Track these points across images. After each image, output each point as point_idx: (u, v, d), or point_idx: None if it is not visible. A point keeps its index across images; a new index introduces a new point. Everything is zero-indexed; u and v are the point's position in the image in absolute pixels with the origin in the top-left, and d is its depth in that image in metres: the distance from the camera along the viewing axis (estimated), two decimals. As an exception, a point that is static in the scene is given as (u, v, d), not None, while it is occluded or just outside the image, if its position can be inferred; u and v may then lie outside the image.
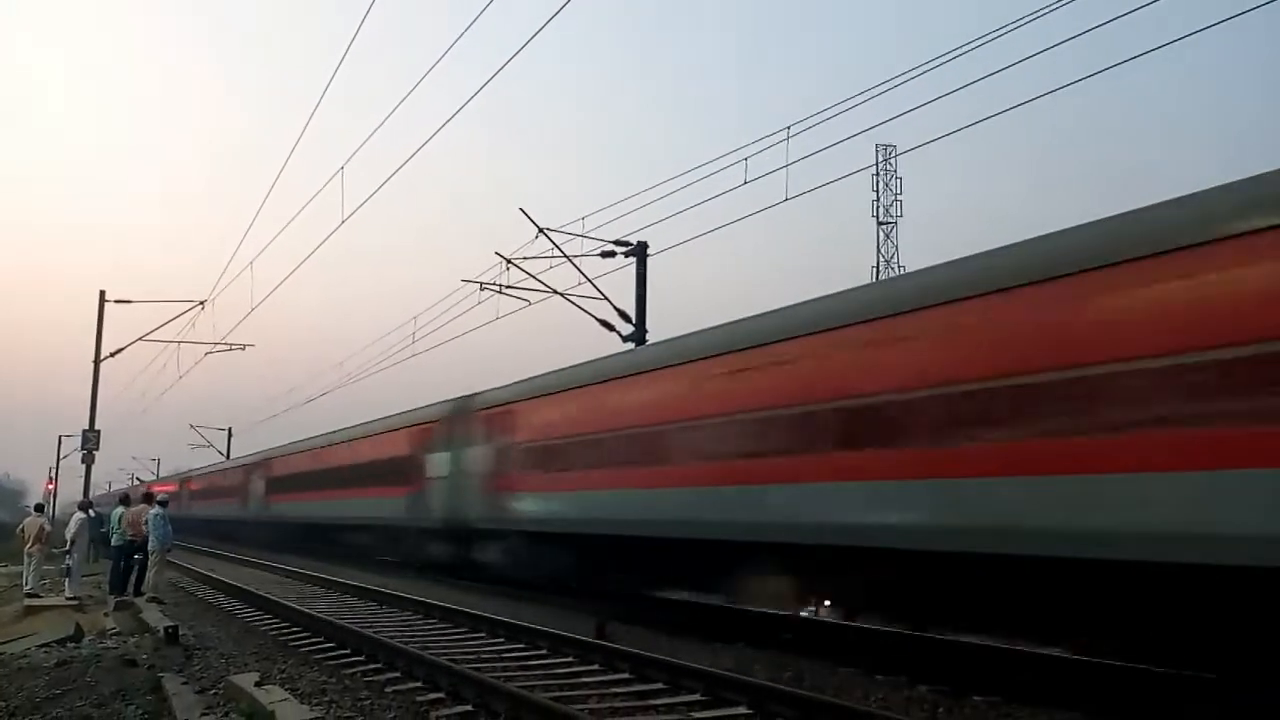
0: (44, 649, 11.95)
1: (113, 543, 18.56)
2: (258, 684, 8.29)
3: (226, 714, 7.66)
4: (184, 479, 55.56)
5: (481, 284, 20.00)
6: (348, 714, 7.55)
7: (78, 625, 13.89)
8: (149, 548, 17.44)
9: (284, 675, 9.12)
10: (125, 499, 19.72)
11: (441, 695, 8.26)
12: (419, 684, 8.73)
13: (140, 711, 7.98)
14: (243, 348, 30.33)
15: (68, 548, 19.49)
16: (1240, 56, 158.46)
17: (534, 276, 19.25)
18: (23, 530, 19.95)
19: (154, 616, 13.94)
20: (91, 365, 28.18)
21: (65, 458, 57.95)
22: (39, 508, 22.18)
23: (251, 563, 27.01)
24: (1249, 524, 6.44)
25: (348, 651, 10.66)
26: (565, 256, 18.64)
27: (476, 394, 19.21)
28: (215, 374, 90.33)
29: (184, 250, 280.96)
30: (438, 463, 20.34)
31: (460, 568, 19.27)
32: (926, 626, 10.11)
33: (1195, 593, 6.97)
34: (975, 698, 7.90)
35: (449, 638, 11.71)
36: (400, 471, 22.26)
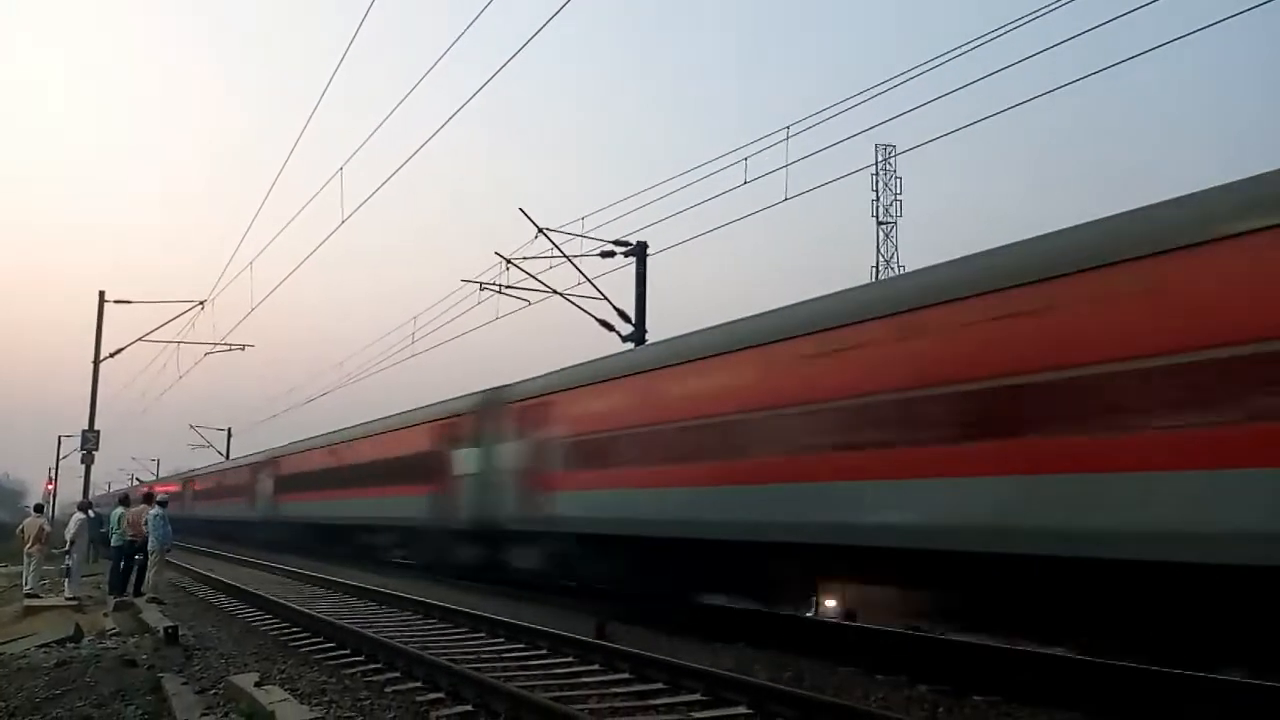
0: (44, 649, 11.94)
1: (112, 543, 18.57)
2: (257, 684, 8.30)
3: (226, 714, 7.66)
4: (188, 479, 55.02)
5: (481, 284, 19.97)
6: (348, 714, 7.54)
7: (77, 625, 13.89)
8: (149, 548, 17.46)
9: (284, 675, 9.12)
10: (125, 499, 19.72)
11: (441, 695, 8.26)
12: (419, 684, 8.72)
13: (140, 712, 7.98)
14: (242, 348, 30.33)
15: (67, 548, 19.48)
16: (1240, 56, 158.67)
17: (534, 276, 19.24)
18: (22, 530, 19.97)
19: (154, 617, 13.94)
20: (91, 365, 28.22)
21: (65, 458, 58.01)
22: (39, 508, 22.19)
23: (251, 563, 26.99)
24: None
25: (348, 651, 10.65)
26: (565, 256, 18.65)
27: (509, 385, 17.84)
28: (215, 374, 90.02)
29: (184, 250, 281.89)
30: (465, 459, 18.88)
31: (488, 571, 17.93)
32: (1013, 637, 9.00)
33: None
34: (975, 697, 7.90)
35: (449, 638, 11.71)
36: (424, 469, 20.82)
